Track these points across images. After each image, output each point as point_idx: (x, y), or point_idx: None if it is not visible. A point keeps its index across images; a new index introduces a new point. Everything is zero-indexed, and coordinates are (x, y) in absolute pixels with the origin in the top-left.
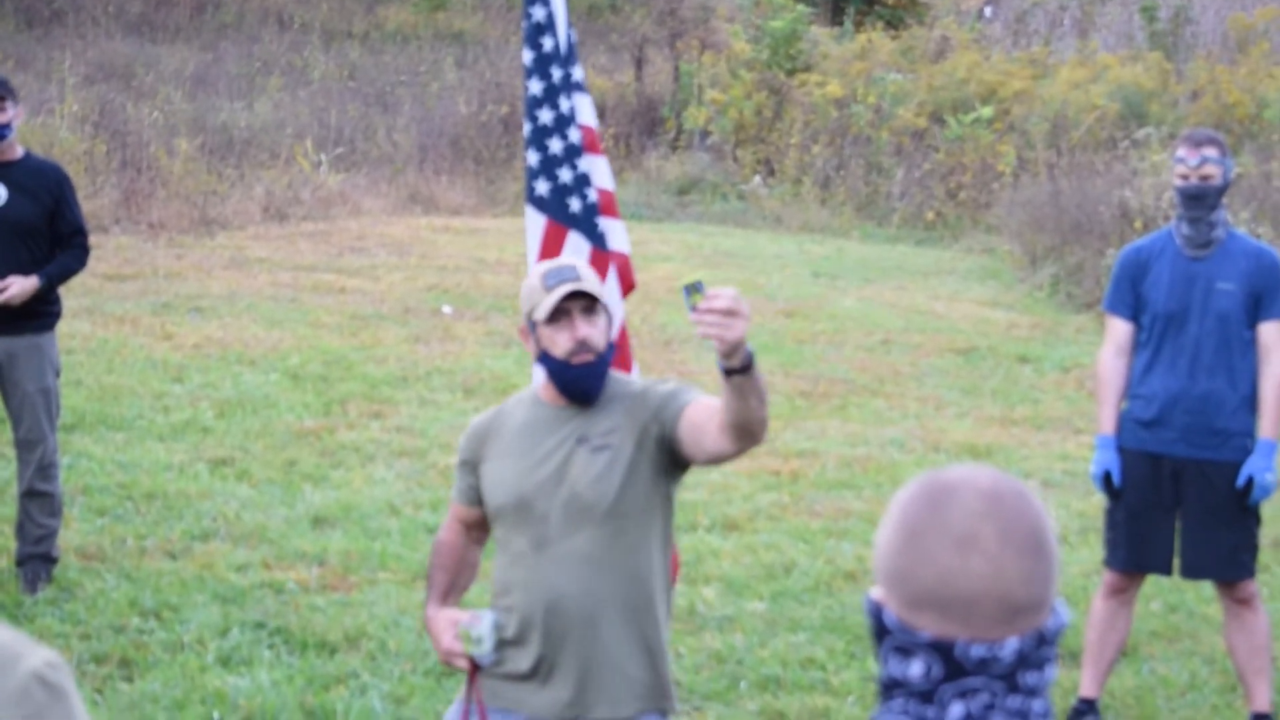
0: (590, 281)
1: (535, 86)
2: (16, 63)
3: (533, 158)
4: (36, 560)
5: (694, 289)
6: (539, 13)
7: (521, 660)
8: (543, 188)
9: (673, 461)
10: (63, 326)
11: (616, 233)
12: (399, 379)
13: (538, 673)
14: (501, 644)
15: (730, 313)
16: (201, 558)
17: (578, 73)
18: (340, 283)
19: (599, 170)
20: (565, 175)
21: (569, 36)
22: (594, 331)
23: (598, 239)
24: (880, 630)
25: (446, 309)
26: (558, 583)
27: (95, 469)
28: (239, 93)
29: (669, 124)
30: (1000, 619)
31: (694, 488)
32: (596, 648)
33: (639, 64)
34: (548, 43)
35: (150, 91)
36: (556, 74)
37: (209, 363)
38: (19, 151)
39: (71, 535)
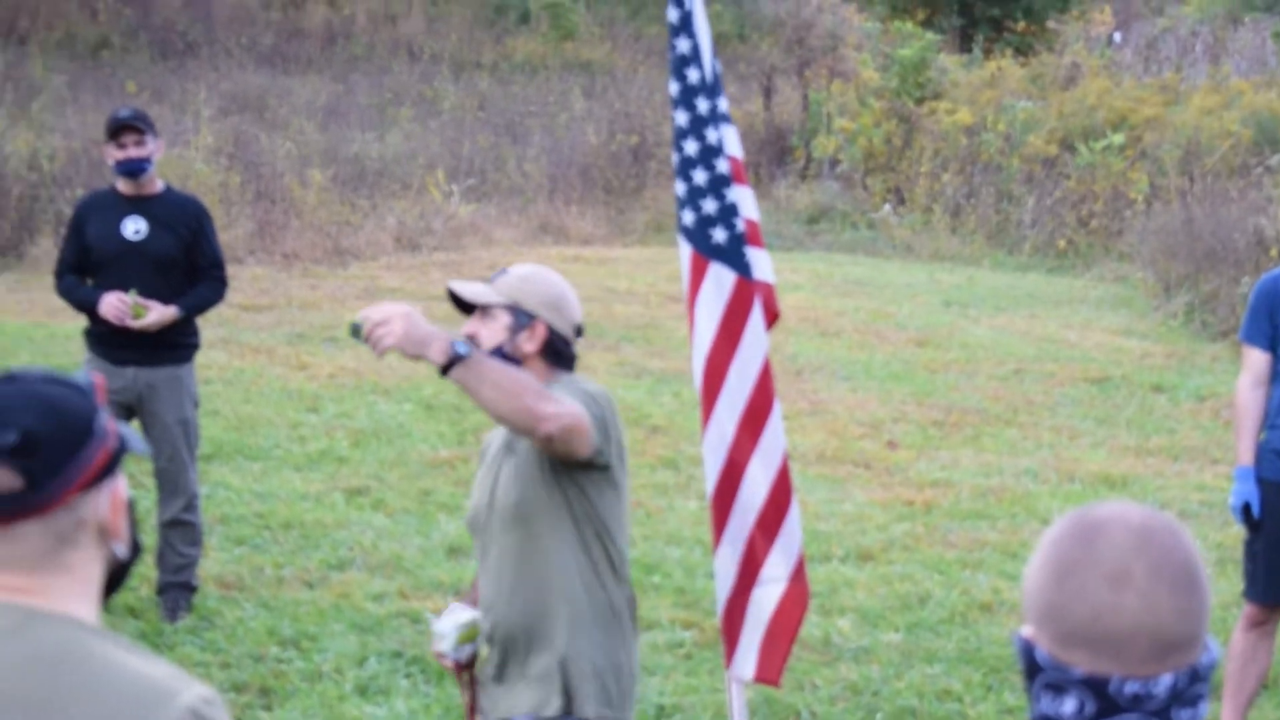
0: (466, 285)
1: (681, 118)
2: (152, 94)
3: (680, 188)
4: (176, 589)
5: (355, 330)
6: (684, 45)
7: (489, 663)
8: (688, 218)
9: (561, 460)
10: (200, 357)
11: (761, 262)
12: None
13: (496, 675)
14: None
15: (382, 323)
16: (338, 587)
17: (722, 104)
18: None
19: (744, 201)
20: (709, 206)
21: (714, 68)
22: (478, 329)
23: (743, 269)
24: (1032, 668)
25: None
26: (491, 588)
27: (233, 498)
28: (370, 123)
29: (798, 153)
30: (1153, 655)
31: (828, 518)
32: (523, 650)
33: (767, 93)
34: (693, 74)
35: (283, 123)
36: (702, 105)
37: (344, 392)
38: (159, 185)
39: (210, 564)
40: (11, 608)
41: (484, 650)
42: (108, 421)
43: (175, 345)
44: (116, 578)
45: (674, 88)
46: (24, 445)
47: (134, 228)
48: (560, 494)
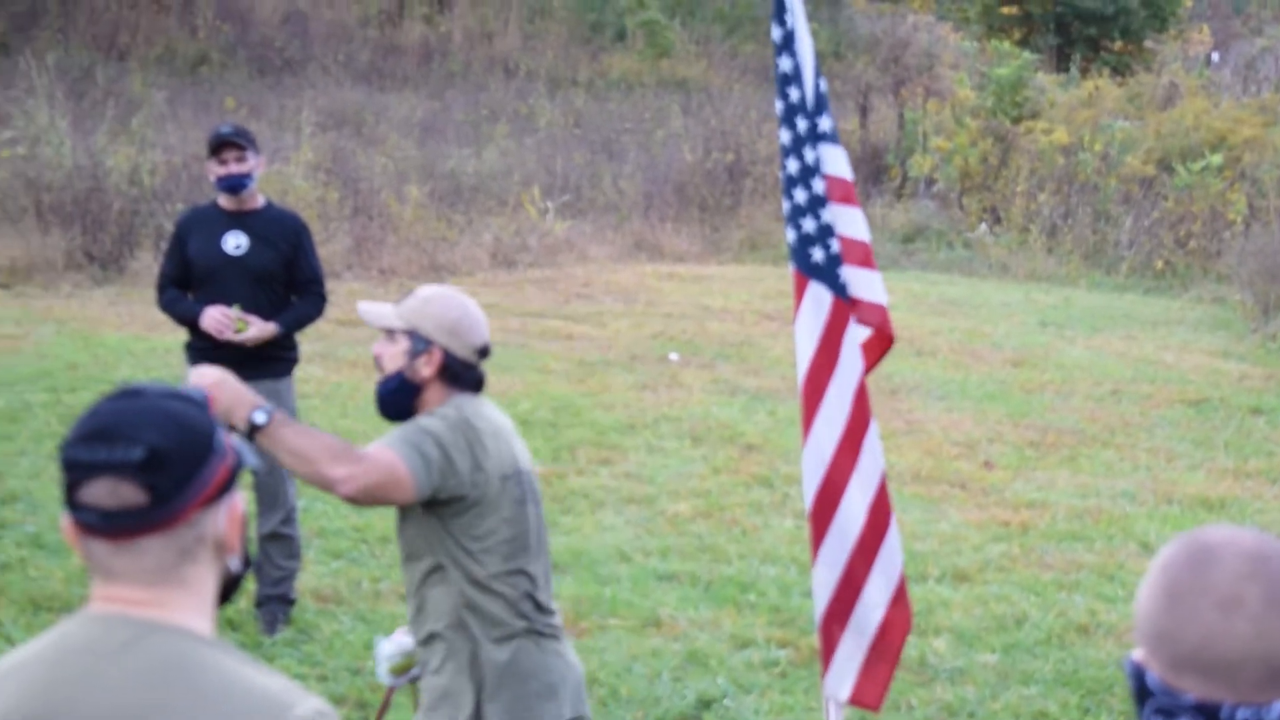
0: (372, 307)
1: (785, 136)
2: (250, 111)
3: (785, 206)
4: (275, 602)
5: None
6: (786, 63)
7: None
8: (791, 236)
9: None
10: (298, 371)
11: (870, 283)
12: (627, 426)
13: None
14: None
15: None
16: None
17: (825, 123)
18: (568, 329)
19: (851, 221)
20: (808, 225)
21: (817, 87)
22: (383, 350)
23: (840, 289)
24: (1142, 692)
25: (673, 356)
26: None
27: (330, 512)
28: (467, 140)
29: (894, 172)
30: (1266, 681)
31: (924, 538)
32: (428, 671)
33: (863, 111)
34: (794, 93)
35: (380, 139)
36: (802, 125)
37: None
38: (260, 201)
39: (308, 578)
40: (132, 620)
41: (378, 667)
42: (226, 436)
43: (274, 359)
44: (227, 590)
45: (779, 105)
46: (150, 461)
47: (235, 242)
48: (437, 528)
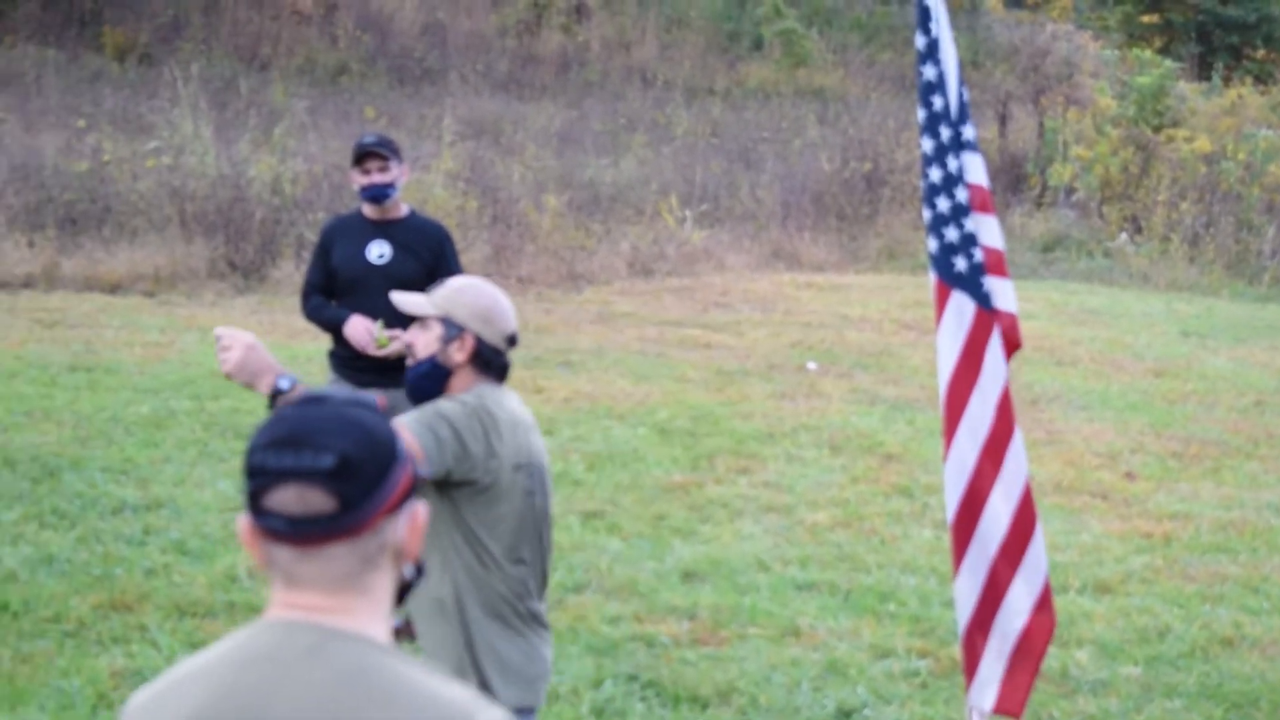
0: (406, 297)
1: (927, 144)
2: (390, 120)
3: (926, 215)
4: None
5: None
6: (930, 71)
7: None
8: (932, 245)
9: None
10: None
11: (1004, 292)
12: (765, 435)
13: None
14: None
15: (225, 348)
16: (575, 609)
17: (968, 131)
18: (706, 338)
19: (988, 229)
20: (951, 234)
21: (960, 95)
22: (417, 337)
23: (983, 298)
24: None
25: (811, 365)
26: None
27: None
28: (604, 149)
29: (1033, 180)
30: None
31: (1064, 549)
32: (427, 637)
33: (1003, 120)
34: (938, 101)
35: (518, 148)
36: (945, 133)
37: (579, 416)
38: (403, 210)
39: None
40: (314, 627)
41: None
42: (406, 445)
43: None
44: (399, 596)
45: (921, 114)
46: (340, 469)
47: (378, 251)
48: (440, 502)
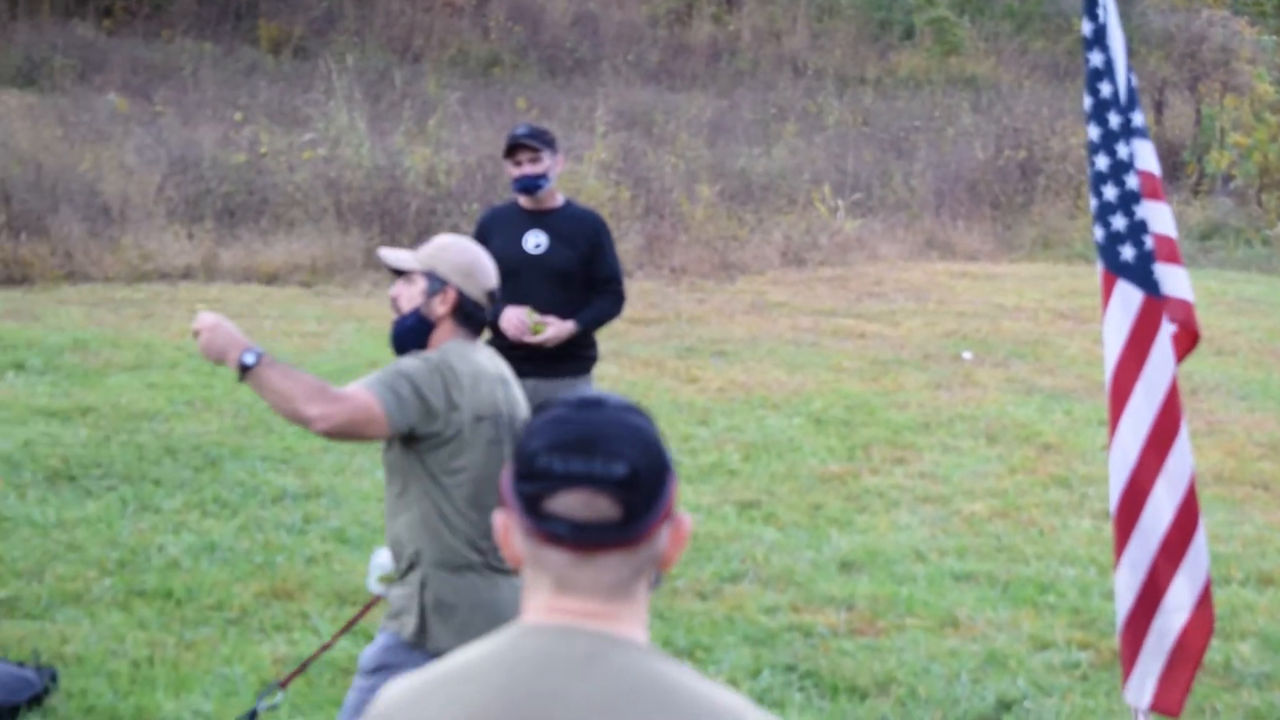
0: (392, 252)
1: (1093, 132)
2: (541, 111)
3: (1093, 203)
4: None
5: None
6: (1097, 58)
7: None
8: (1098, 233)
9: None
10: (596, 370)
11: (1177, 280)
12: (921, 425)
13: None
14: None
15: (195, 332)
16: (731, 599)
17: (1138, 118)
18: (860, 328)
19: (1159, 216)
20: (1118, 223)
21: (1129, 81)
22: (401, 291)
23: (1152, 286)
24: None
25: (966, 355)
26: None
27: None
28: (756, 139)
29: (1190, 168)
30: None
31: (1227, 540)
32: (396, 583)
33: (1159, 107)
34: (1105, 88)
35: (670, 138)
36: (1114, 120)
37: (733, 406)
38: (559, 199)
39: None
40: (589, 633)
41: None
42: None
43: (573, 358)
44: None
45: (1087, 102)
46: (630, 478)
47: (534, 241)
48: (404, 454)
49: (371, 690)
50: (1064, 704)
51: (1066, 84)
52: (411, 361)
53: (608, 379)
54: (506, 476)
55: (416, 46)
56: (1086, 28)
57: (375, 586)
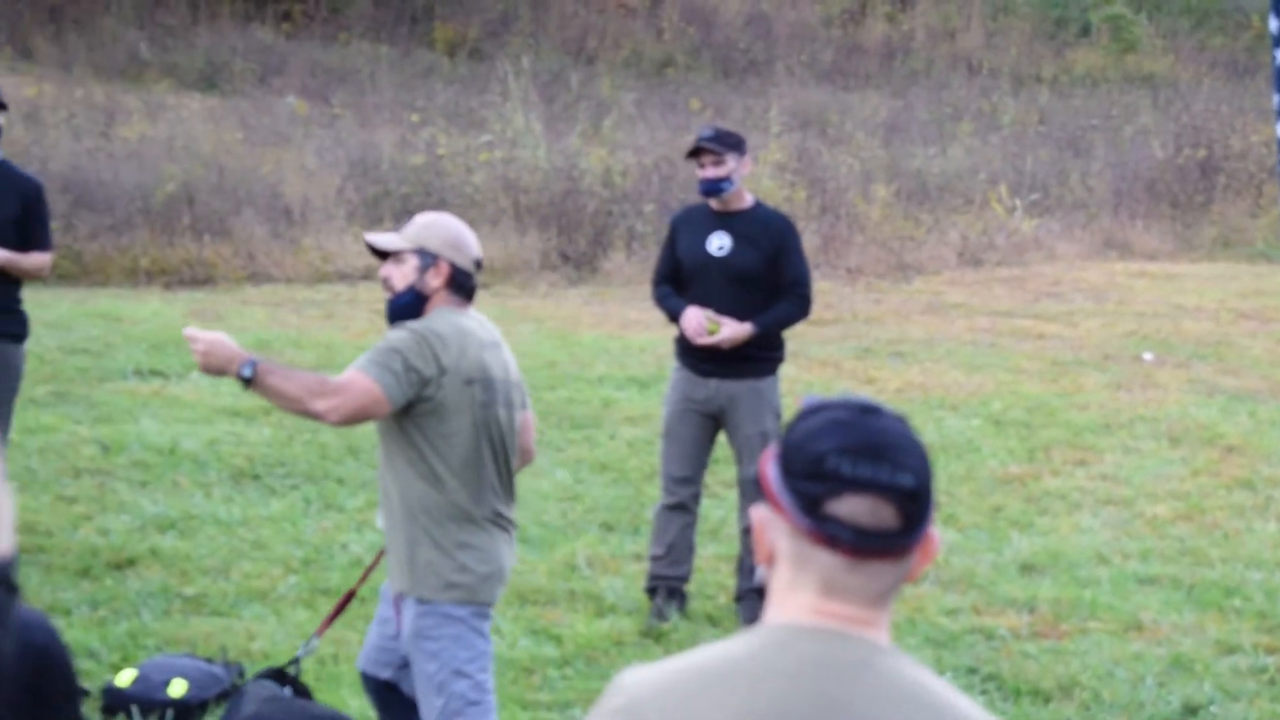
0: (379, 235)
1: None
2: (715, 112)
3: None
4: (754, 596)
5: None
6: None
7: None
8: None
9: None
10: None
11: None
12: (1101, 426)
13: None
14: None
15: (193, 350)
16: (912, 601)
17: None
18: (1038, 328)
19: None
20: None
21: None
22: (391, 272)
23: None
24: None
25: (1147, 356)
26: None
27: None
28: (931, 138)
29: None
30: None
31: None
32: (391, 542)
33: None
34: None
35: (845, 138)
36: None
37: (912, 407)
38: (748, 201)
39: None
40: (854, 638)
41: None
42: None
43: (757, 359)
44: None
45: (1276, 100)
46: (916, 489)
47: (718, 243)
48: (396, 419)
49: (446, 661)
50: (1251, 709)
51: (1246, 81)
52: (398, 334)
53: (785, 379)
54: (774, 474)
55: (590, 48)
56: (1273, 25)
57: (383, 522)
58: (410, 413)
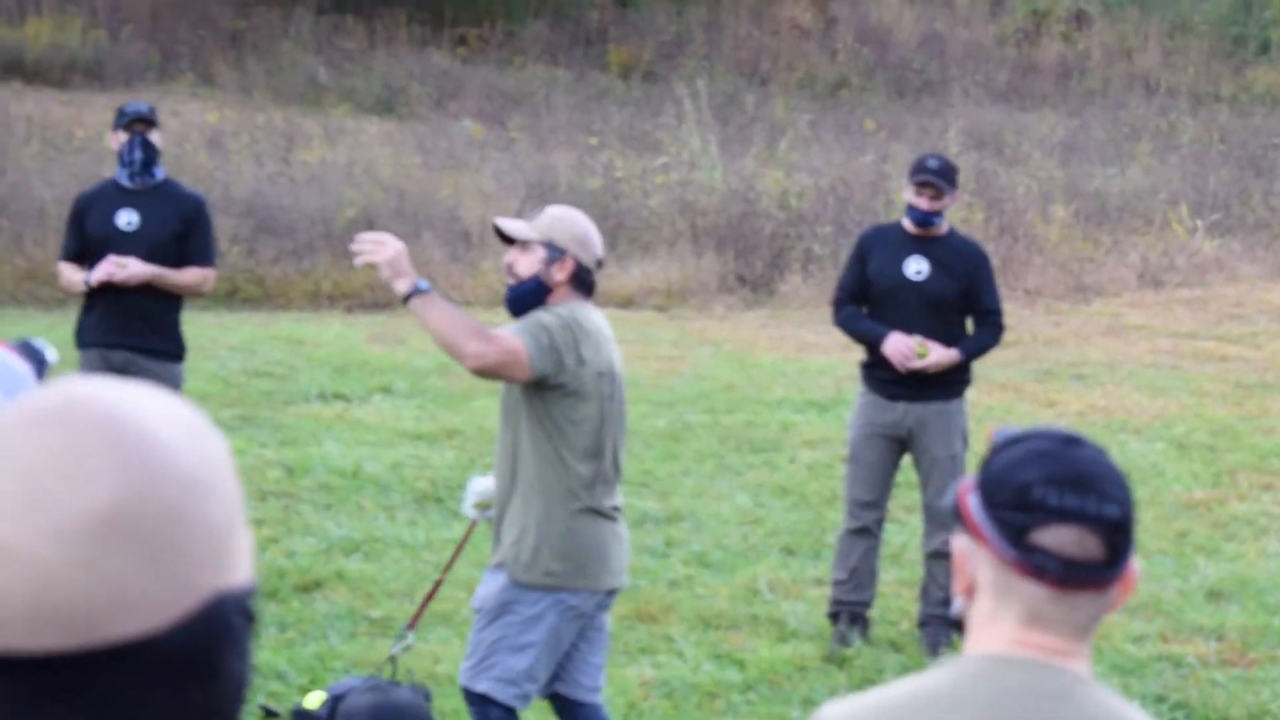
0: (509, 222)
1: None
2: (889, 132)
3: None
4: (937, 622)
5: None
6: None
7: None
8: None
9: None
10: None
11: None
12: None
13: (494, 534)
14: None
15: (376, 242)
16: (1098, 628)
17: None
18: (1221, 350)
19: None
20: None
21: None
22: (517, 258)
23: None
24: None
25: None
26: (494, 464)
27: None
28: (1108, 158)
29: None
30: None
31: None
32: (502, 518)
33: None
34: None
35: (1022, 159)
36: None
37: (1094, 430)
38: (944, 227)
39: None
40: (1055, 669)
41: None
42: None
43: (946, 382)
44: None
45: None
46: (1122, 521)
47: (916, 267)
48: (527, 399)
49: (505, 628)
50: None
51: None
52: (547, 316)
53: (969, 402)
54: (976, 504)
55: (764, 69)
56: None
57: (470, 511)
58: (545, 395)
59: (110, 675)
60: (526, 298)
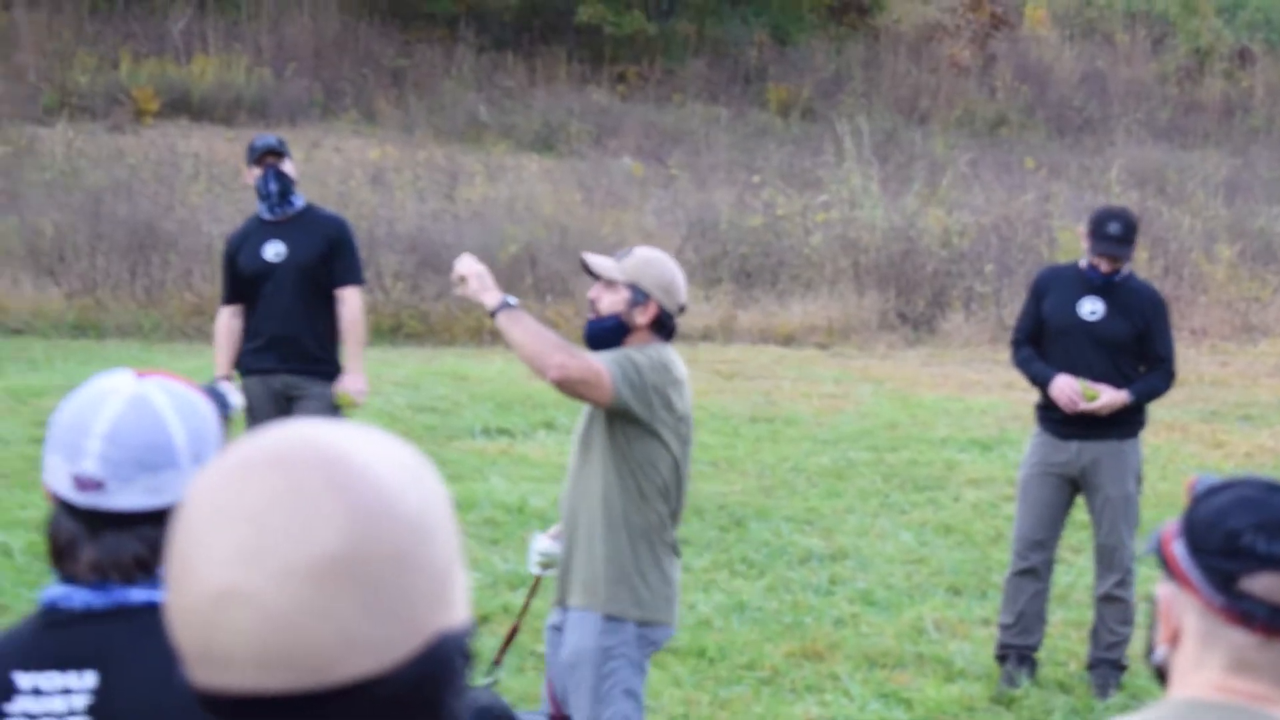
0: (598, 259)
1: None
2: (1050, 171)
3: None
4: (1107, 666)
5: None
6: None
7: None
8: None
9: (592, 404)
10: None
11: None
12: None
13: (563, 567)
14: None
15: (461, 275)
16: None
17: None
18: None
19: None
20: None
21: None
22: (601, 295)
23: None
24: None
25: None
26: (565, 493)
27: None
28: (1274, 197)
29: None
30: None
31: None
32: (572, 550)
33: None
34: None
35: (1185, 197)
36: None
37: (1262, 472)
38: (1124, 270)
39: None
40: (1267, 718)
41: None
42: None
43: (1120, 422)
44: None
45: None
46: None
47: (1090, 308)
48: (610, 431)
49: (614, 674)
50: None
51: None
52: (638, 354)
53: None
54: (1182, 551)
55: (923, 107)
56: None
57: (535, 569)
58: (629, 433)
59: (338, 714)
60: (605, 335)
